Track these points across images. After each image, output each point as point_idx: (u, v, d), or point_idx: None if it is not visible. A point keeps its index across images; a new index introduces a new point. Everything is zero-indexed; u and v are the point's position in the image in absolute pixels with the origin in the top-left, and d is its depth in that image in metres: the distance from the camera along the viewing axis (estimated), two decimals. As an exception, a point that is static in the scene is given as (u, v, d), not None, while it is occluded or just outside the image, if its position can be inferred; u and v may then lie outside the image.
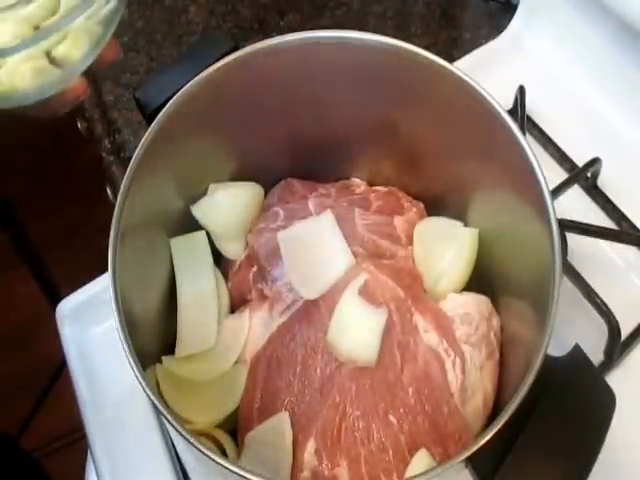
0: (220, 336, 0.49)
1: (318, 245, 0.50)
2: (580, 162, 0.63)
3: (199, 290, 0.50)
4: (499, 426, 0.36)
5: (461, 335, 0.47)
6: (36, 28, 0.40)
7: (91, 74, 0.46)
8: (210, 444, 0.45)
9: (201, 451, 0.36)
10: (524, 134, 0.47)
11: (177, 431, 0.36)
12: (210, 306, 0.50)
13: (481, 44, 0.73)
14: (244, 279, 0.52)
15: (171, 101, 0.46)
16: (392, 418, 0.44)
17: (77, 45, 0.42)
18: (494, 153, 0.46)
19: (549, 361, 0.38)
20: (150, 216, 0.48)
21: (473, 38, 0.75)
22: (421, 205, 0.55)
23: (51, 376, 1.30)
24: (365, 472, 0.43)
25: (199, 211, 0.52)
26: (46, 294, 1.35)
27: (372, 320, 0.46)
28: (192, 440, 0.36)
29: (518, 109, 0.63)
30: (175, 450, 0.52)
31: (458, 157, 0.50)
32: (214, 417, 0.47)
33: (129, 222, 0.43)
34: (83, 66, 0.44)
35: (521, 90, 0.64)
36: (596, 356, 0.54)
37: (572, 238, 0.59)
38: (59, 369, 1.22)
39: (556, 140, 0.66)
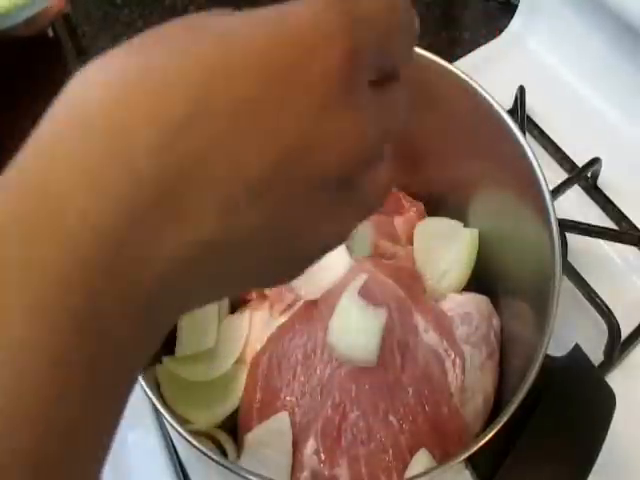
0: (220, 336, 0.49)
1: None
2: (580, 162, 0.63)
3: (199, 290, 0.50)
4: (499, 426, 0.36)
5: (461, 335, 0.47)
6: None
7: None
8: (210, 444, 0.45)
9: (201, 451, 0.36)
10: (524, 134, 0.47)
11: (177, 431, 0.36)
12: (210, 306, 0.50)
13: (481, 44, 0.73)
14: (244, 279, 0.52)
15: (171, 101, 0.46)
16: (392, 418, 0.44)
17: None
18: (494, 153, 0.46)
19: (549, 361, 0.38)
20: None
21: (473, 38, 0.75)
22: (421, 205, 0.55)
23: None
24: (365, 472, 0.43)
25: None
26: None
27: (372, 320, 0.46)
28: (192, 440, 0.36)
29: (518, 109, 0.63)
30: (175, 450, 0.52)
31: (458, 157, 0.50)
32: (214, 417, 0.47)
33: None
34: None
35: (521, 90, 0.64)
36: (596, 356, 0.54)
37: (572, 238, 0.59)
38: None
39: (556, 140, 0.66)
